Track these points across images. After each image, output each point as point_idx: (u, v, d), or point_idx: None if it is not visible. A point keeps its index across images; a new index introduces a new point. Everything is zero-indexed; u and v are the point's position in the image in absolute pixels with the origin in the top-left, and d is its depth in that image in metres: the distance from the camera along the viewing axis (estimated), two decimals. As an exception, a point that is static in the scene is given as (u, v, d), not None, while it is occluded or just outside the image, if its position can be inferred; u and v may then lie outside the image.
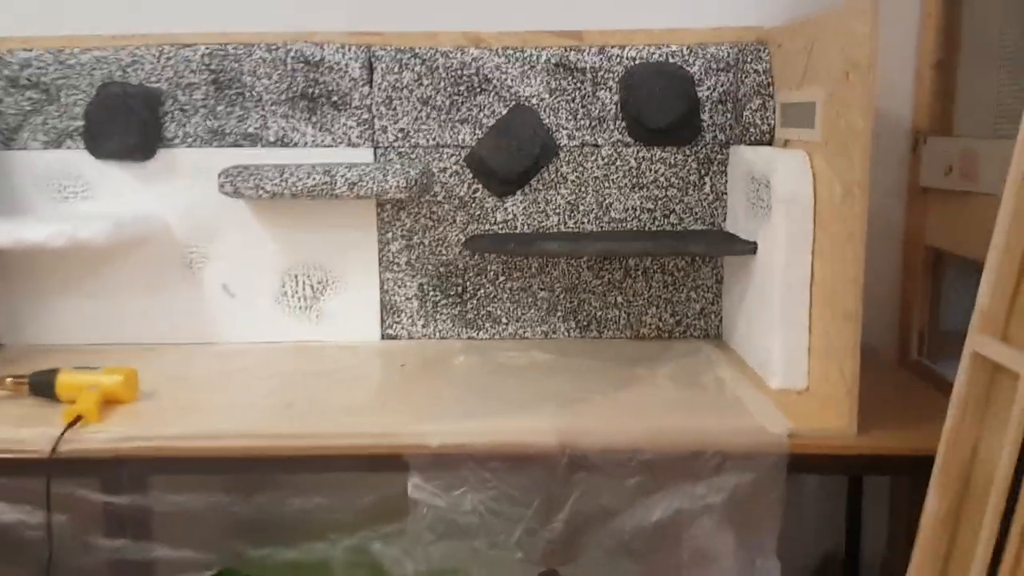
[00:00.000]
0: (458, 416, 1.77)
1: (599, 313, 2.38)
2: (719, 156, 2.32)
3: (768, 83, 2.19)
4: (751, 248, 2.03)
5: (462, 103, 2.32)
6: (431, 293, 2.39)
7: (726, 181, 2.33)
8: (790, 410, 1.79)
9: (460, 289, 2.39)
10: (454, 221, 2.36)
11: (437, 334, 2.41)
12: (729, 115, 2.30)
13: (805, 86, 1.95)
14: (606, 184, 2.34)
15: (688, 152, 2.33)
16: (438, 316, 2.40)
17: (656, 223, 2.35)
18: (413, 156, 2.34)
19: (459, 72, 2.31)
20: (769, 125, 2.18)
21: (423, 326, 2.40)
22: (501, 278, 2.38)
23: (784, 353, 1.90)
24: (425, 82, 2.31)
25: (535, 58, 2.31)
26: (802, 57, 1.97)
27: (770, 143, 2.19)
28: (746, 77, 2.22)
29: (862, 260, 1.66)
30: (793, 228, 1.88)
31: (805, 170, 1.88)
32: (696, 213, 2.34)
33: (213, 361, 2.21)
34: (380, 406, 1.84)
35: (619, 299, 2.38)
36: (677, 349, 2.26)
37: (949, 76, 2.24)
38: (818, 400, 1.83)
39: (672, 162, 2.33)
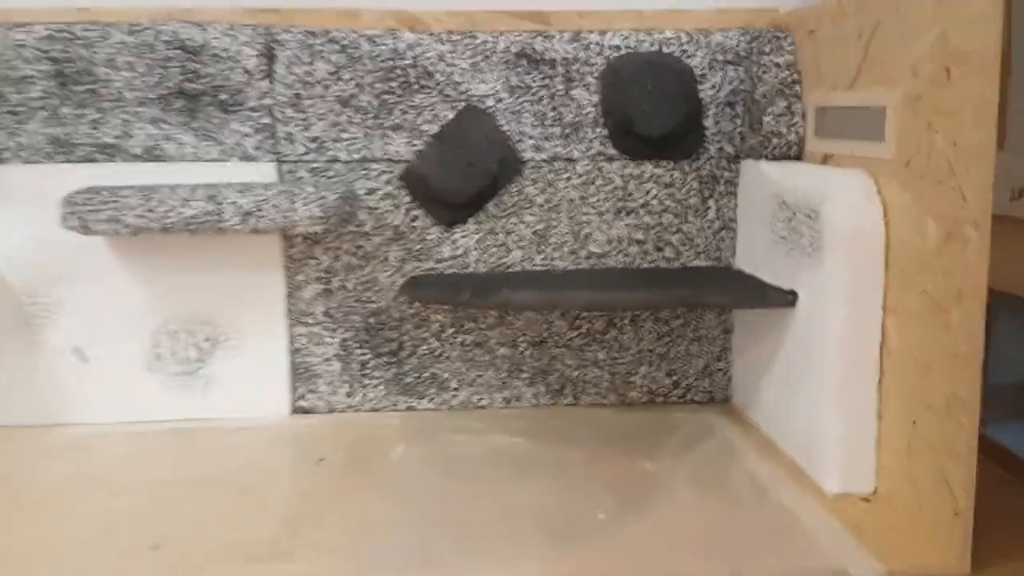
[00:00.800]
0: (400, 568, 1.21)
1: (575, 373, 1.86)
2: (727, 174, 1.82)
3: (794, 80, 1.70)
4: (789, 300, 1.53)
5: (395, 104, 1.76)
6: (357, 352, 1.82)
7: (735, 205, 1.83)
8: (862, 529, 1.30)
9: (396, 346, 1.83)
10: (386, 259, 1.80)
11: (366, 405, 1.85)
12: (741, 121, 1.81)
13: (862, 85, 1.46)
14: (584, 209, 1.82)
15: (688, 168, 1.82)
16: (367, 382, 1.84)
17: (648, 258, 1.83)
18: (331, 175, 1.77)
19: (390, 63, 1.75)
20: (797, 135, 1.69)
21: (347, 395, 1.84)
22: (449, 331, 1.83)
23: (844, 445, 1.41)
24: (345, 76, 1.75)
25: (490, 46, 1.77)
26: (855, 47, 1.48)
27: (798, 157, 1.70)
28: (764, 72, 1.72)
29: (981, 330, 1.17)
30: (857, 277, 1.38)
31: (872, 198, 1.39)
32: (698, 245, 1.84)
33: (55, 458, 1.60)
34: (287, 548, 1.27)
35: (600, 355, 1.86)
36: (682, 425, 1.75)
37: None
38: (898, 513, 1.34)
39: (668, 180, 1.82)
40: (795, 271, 1.54)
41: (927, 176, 1.27)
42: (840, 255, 1.39)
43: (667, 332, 1.85)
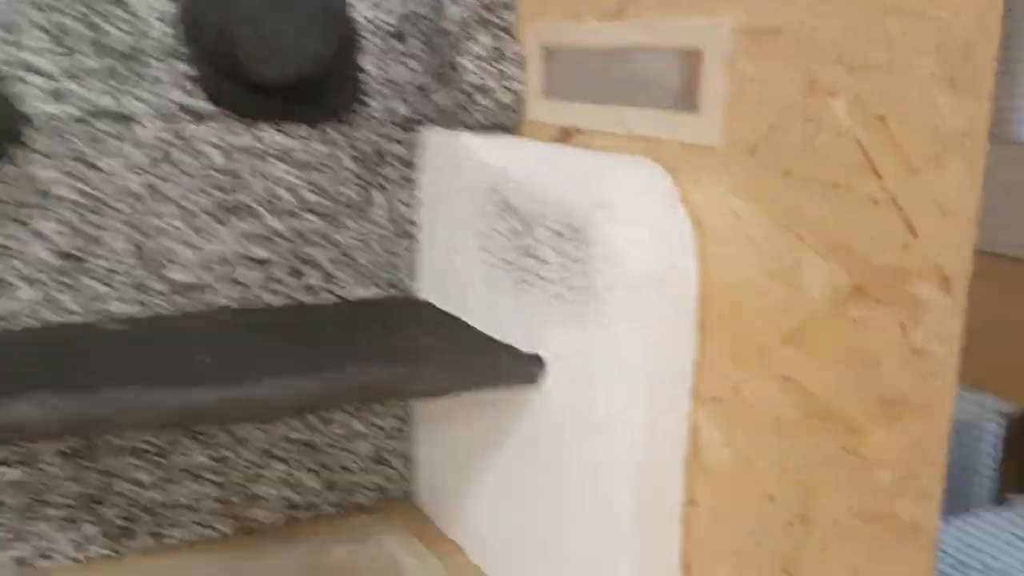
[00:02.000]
0: None
1: (150, 495, 1.08)
2: (400, 148, 1.14)
3: (505, 2, 1.06)
4: (529, 373, 0.90)
5: None
6: None
7: (416, 198, 1.16)
8: None
9: None
10: None
11: None
12: (421, 65, 1.13)
13: (643, 10, 0.86)
14: (156, 207, 1.03)
15: (337, 137, 1.11)
16: None
17: (277, 290, 1.10)
18: None
19: None
20: (513, 92, 1.06)
21: None
22: None
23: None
24: None
25: None
26: (627, -58, 0.87)
27: (512, 129, 1.07)
28: (458, -13, 1.05)
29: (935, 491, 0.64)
30: (652, 347, 0.79)
31: (674, 210, 0.80)
32: (358, 265, 1.14)
33: None
34: None
35: (199, 458, 1.09)
36: (348, 562, 1.05)
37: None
38: None
39: (305, 157, 1.09)
40: (537, 321, 0.91)
41: (808, 178, 0.70)
42: (626, 307, 0.79)
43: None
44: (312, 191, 1.10)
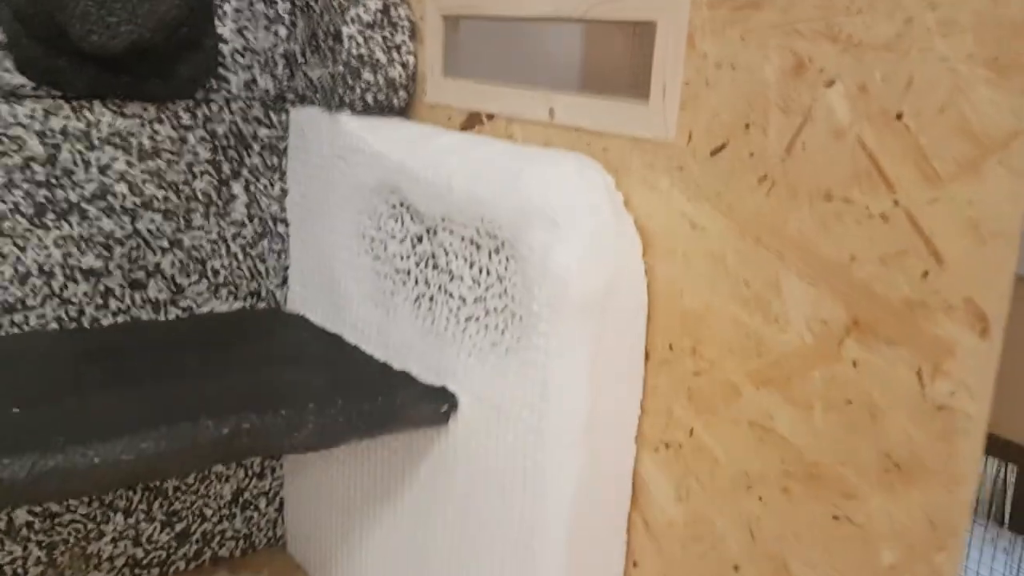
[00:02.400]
0: None
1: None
2: (267, 131, 0.95)
3: (395, -41, 0.88)
4: (437, 412, 0.74)
5: None
6: None
7: (285, 192, 0.97)
8: None
9: None
10: None
11: None
12: (291, 33, 0.94)
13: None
14: (-53, 205, 0.80)
15: (187, 118, 0.90)
16: None
17: (111, 307, 0.89)
18: None
19: None
20: (406, 68, 0.88)
21: None
22: None
23: None
24: None
25: None
26: None
27: (405, 112, 0.90)
28: (336, -63, 0.87)
29: None
30: (603, 381, 0.65)
31: (619, 219, 0.65)
32: (208, 271, 0.94)
33: None
34: None
35: (19, 513, 0.88)
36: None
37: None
38: None
39: (147, 143, 0.88)
40: (443, 347, 0.75)
41: (793, 186, 0.57)
42: (558, 335, 0.64)
43: (159, 441, 0.93)
44: (156, 184, 0.89)
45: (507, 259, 0.68)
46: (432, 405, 0.73)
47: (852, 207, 0.54)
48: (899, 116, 0.51)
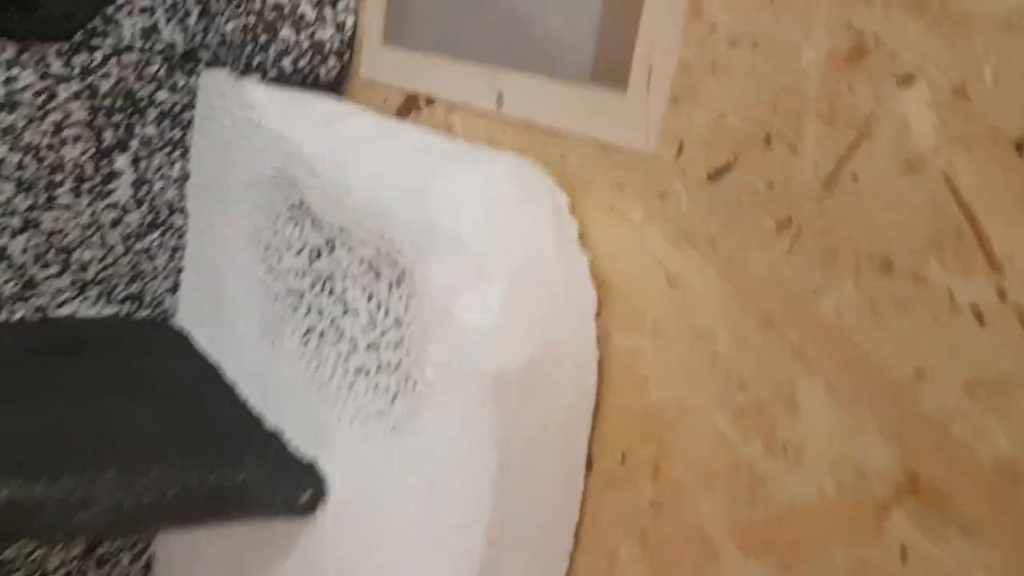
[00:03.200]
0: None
1: None
2: (165, 95, 0.75)
3: None
4: (294, 500, 0.53)
5: None
6: None
7: (185, 176, 0.77)
8: None
9: None
10: None
11: None
12: (206, -32, 0.74)
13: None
14: None
15: (60, 67, 0.70)
16: None
17: (-67, 294, 0.69)
18: None
19: None
20: (342, 30, 0.68)
21: None
22: None
23: None
24: None
25: None
26: None
27: (335, 87, 0.69)
28: None
29: None
30: (526, 491, 0.44)
31: (569, 260, 0.44)
32: (76, 265, 0.74)
33: None
34: None
35: None
36: None
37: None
38: None
39: (5, 100, 0.69)
40: (325, 404, 0.55)
41: (831, 241, 0.35)
42: (466, 414, 0.43)
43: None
44: (8, 146, 0.69)
45: (408, 296, 0.48)
46: (289, 492, 0.52)
47: (926, 289, 0.32)
48: (1020, 147, 0.30)
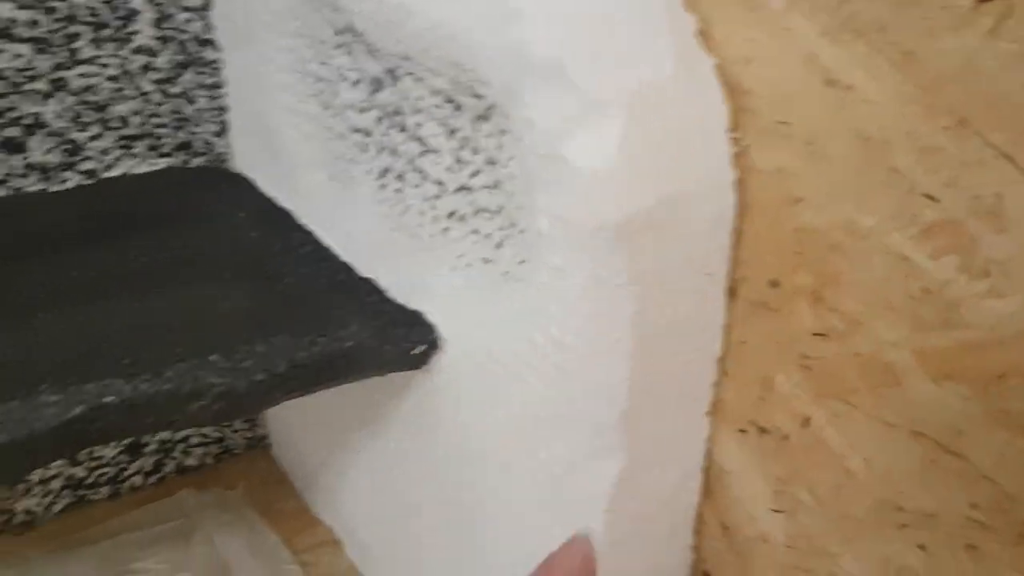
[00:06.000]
0: None
1: None
2: (168, -89, 0.65)
3: None
4: (408, 353, 0.50)
5: None
6: None
7: (208, 2, 0.68)
8: None
9: None
10: None
11: None
12: None
13: None
14: None
15: None
16: None
17: (-23, 177, 0.65)
18: None
19: None
20: None
21: None
22: None
23: None
24: None
25: None
26: None
27: None
28: None
29: None
30: (662, 332, 0.40)
31: (696, 79, 0.37)
32: (112, 119, 0.68)
33: None
34: None
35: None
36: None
37: None
38: None
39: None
40: (416, 250, 0.50)
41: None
42: (588, 260, 0.38)
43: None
44: (19, 6, 0.61)
45: (499, 134, 0.42)
46: (400, 347, 0.49)
47: None
48: None
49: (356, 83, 0.53)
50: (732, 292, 0.41)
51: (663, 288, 0.39)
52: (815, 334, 0.38)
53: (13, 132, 0.64)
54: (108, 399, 0.44)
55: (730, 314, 0.42)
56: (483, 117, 0.42)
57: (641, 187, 0.36)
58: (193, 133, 0.71)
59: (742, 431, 0.43)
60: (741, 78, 0.37)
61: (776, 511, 0.43)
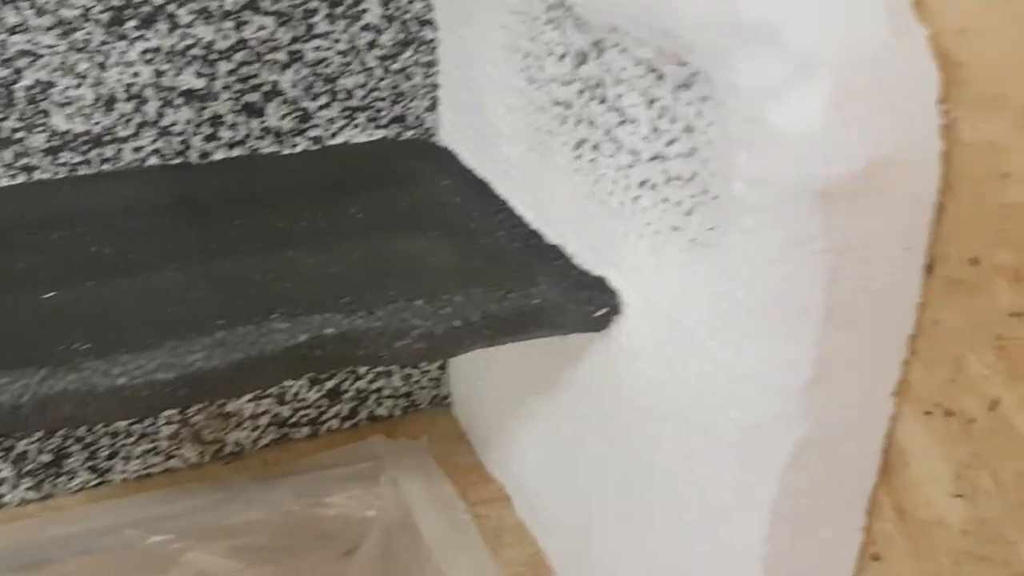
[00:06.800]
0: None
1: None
2: (401, -101, 0.71)
3: None
4: (589, 315, 0.53)
5: None
6: None
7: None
8: None
9: None
10: None
11: None
12: None
13: None
14: (7, 17, 0.65)
15: None
16: None
17: (213, 136, 0.73)
18: None
19: None
20: None
21: None
22: None
23: None
24: None
25: None
26: None
27: None
28: None
29: None
30: (852, 301, 0.40)
31: (905, 45, 0.38)
32: (339, 91, 0.75)
33: None
34: None
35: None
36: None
37: None
38: None
39: (244, -75, 0.68)
40: (606, 219, 0.53)
41: None
42: (785, 228, 0.39)
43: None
44: (265, -21, 0.69)
45: (700, 101, 0.43)
46: (583, 309, 0.52)
47: None
48: None
49: (562, 57, 0.56)
50: (929, 268, 0.41)
51: (859, 258, 0.39)
52: (1012, 314, 0.37)
53: (254, 97, 0.72)
54: (328, 331, 0.49)
55: (925, 291, 0.41)
56: (685, 85, 0.44)
57: (846, 152, 0.37)
58: (407, 107, 0.77)
59: (927, 413, 0.43)
60: (955, 49, 0.37)
61: (955, 496, 0.42)
